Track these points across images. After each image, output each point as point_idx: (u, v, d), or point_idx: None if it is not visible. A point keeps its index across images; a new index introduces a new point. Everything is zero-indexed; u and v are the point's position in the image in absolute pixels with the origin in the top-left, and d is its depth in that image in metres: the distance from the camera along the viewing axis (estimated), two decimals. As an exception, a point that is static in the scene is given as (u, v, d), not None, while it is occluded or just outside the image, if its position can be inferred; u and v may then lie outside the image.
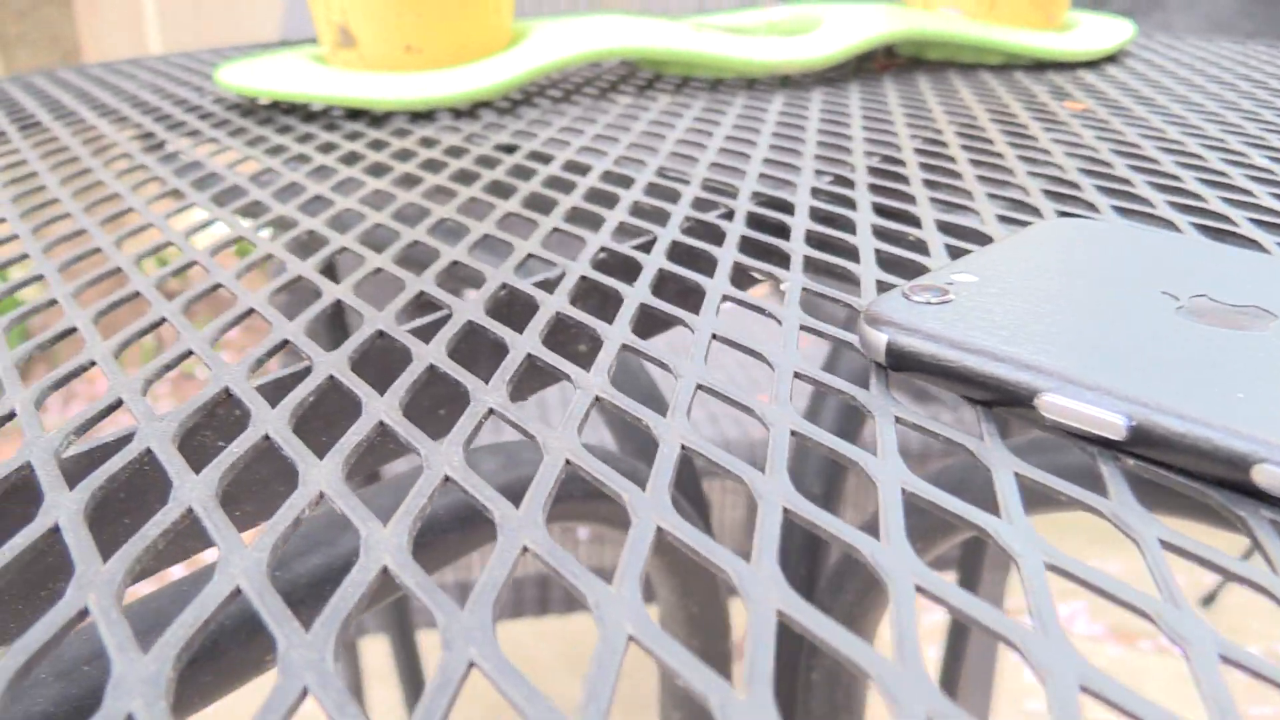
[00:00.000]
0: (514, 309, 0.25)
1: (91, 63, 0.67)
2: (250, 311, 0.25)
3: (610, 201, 0.34)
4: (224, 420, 0.20)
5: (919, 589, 0.14)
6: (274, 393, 0.21)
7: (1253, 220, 0.30)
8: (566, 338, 0.24)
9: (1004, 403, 0.19)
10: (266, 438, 0.19)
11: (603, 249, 0.28)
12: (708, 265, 0.28)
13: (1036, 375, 0.18)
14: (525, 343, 0.22)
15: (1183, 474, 0.17)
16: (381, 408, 0.19)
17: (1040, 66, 0.59)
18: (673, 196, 0.34)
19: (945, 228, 0.30)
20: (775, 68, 0.53)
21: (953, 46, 0.60)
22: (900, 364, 0.20)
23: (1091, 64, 0.59)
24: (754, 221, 0.31)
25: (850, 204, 0.33)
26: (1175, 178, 0.35)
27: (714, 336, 0.23)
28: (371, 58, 0.49)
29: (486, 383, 0.20)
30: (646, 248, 0.29)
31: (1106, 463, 0.17)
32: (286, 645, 0.13)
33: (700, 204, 0.33)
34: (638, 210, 0.33)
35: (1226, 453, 0.16)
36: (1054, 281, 0.22)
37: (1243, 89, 0.50)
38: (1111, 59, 0.61)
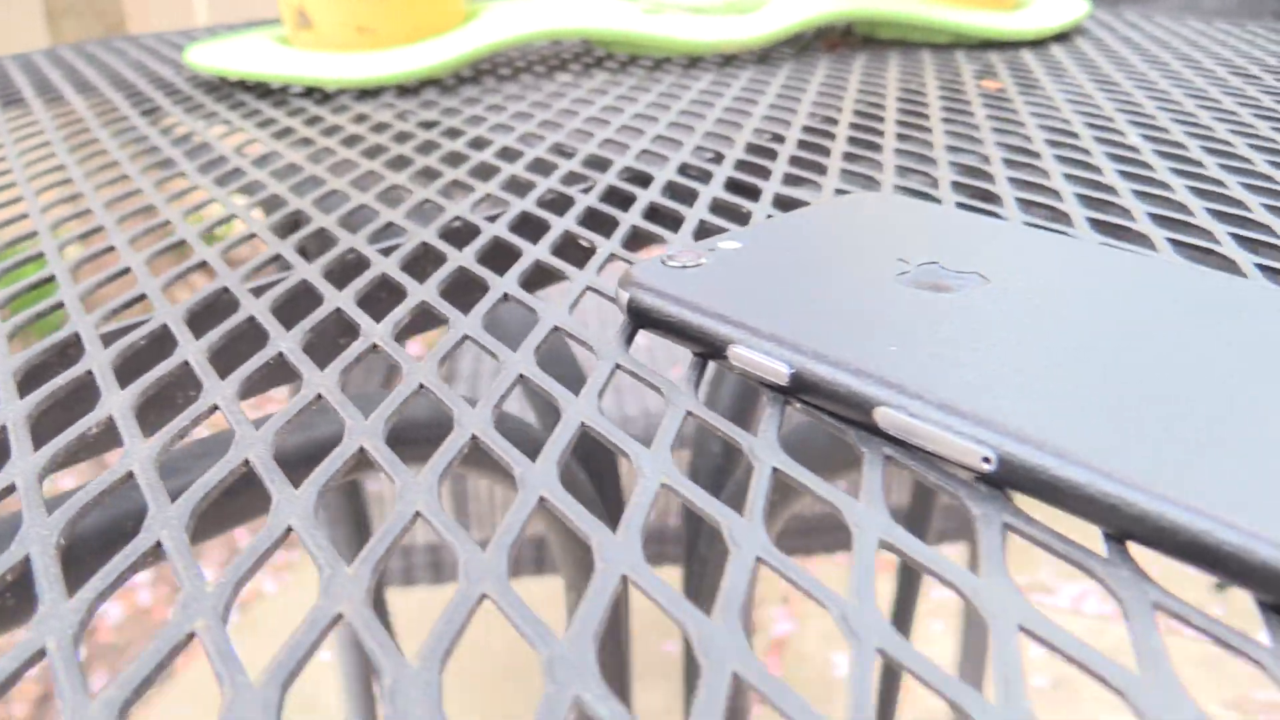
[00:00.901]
0: (356, 270, 0.29)
1: (138, 34, 0.71)
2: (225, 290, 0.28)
3: (490, 174, 0.36)
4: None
5: (760, 559, 0.16)
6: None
7: (1083, 197, 0.32)
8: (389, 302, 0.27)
9: (711, 355, 0.22)
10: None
11: (457, 218, 0.32)
12: (543, 233, 0.30)
13: (732, 329, 0.21)
14: (341, 298, 0.25)
15: (835, 417, 0.20)
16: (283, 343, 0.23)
17: (986, 45, 0.60)
18: (548, 170, 0.37)
19: (781, 201, 0.33)
20: (713, 47, 0.55)
21: (902, 26, 0.61)
22: (640, 320, 0.23)
23: (1039, 42, 0.60)
24: (609, 194, 0.34)
25: (706, 178, 0.35)
26: (1035, 155, 0.37)
27: (557, 329, 0.26)
28: (327, 38, 0.52)
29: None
30: (496, 218, 0.32)
31: (774, 404, 0.20)
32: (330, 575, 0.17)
33: (571, 178, 0.36)
34: (512, 183, 0.36)
35: (856, 397, 0.19)
36: (805, 251, 0.25)
37: (1173, 69, 0.51)
38: (1064, 37, 0.62)
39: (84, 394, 0.22)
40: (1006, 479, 0.17)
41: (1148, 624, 0.14)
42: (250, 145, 0.42)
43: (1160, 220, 0.30)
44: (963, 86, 0.49)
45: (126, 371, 0.23)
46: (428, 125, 0.44)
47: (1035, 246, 0.25)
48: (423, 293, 0.26)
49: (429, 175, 0.37)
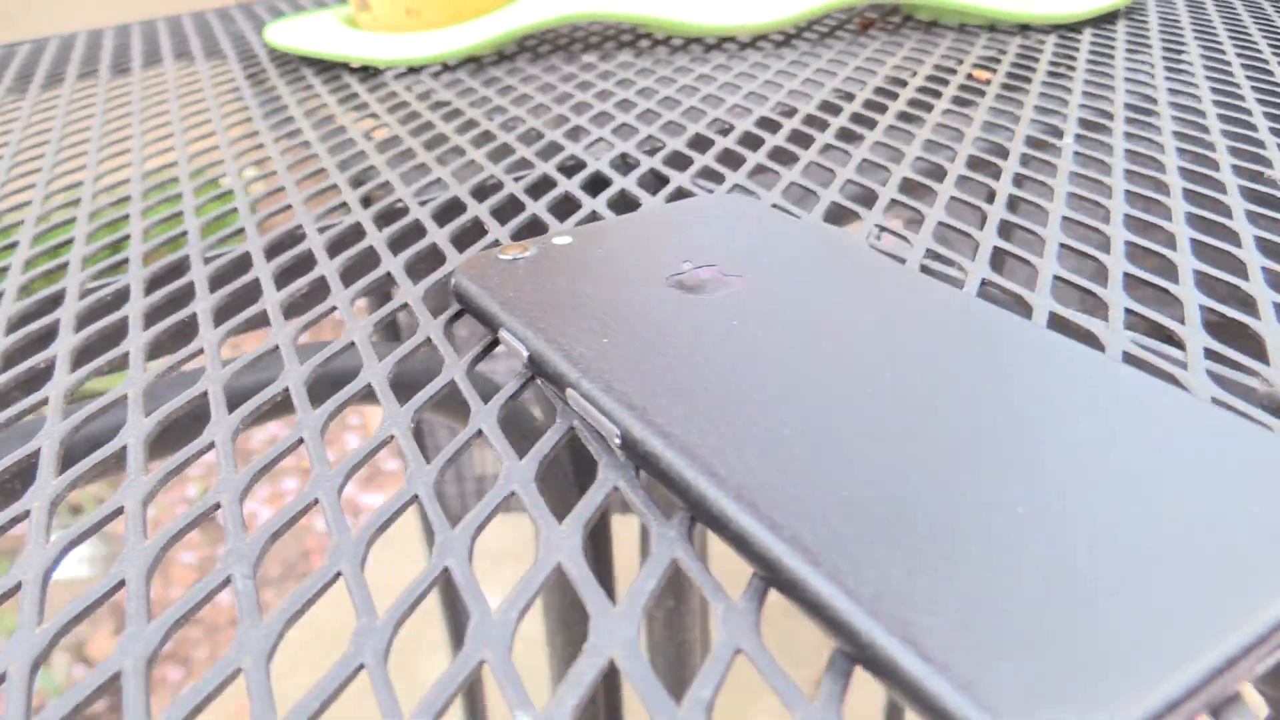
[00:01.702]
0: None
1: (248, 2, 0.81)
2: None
3: (457, 155, 0.42)
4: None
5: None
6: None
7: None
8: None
9: (495, 338, 0.26)
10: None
11: (399, 200, 0.37)
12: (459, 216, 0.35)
13: (504, 317, 0.25)
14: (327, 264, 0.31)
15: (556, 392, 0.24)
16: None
17: (1021, 29, 0.60)
18: (504, 155, 0.42)
19: (678, 195, 0.36)
20: (731, 30, 0.58)
21: (935, 7, 0.62)
22: (463, 304, 0.28)
23: (1075, 27, 0.60)
24: (536, 184, 0.39)
25: (628, 167, 0.39)
26: (999, 158, 0.39)
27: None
28: (382, 20, 0.59)
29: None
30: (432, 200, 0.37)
31: (521, 377, 0.25)
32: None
33: (519, 164, 0.41)
34: (468, 166, 0.41)
35: (553, 373, 0.23)
36: (613, 249, 0.29)
37: (1210, 61, 0.51)
38: (1107, 20, 0.61)
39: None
40: (634, 457, 0.21)
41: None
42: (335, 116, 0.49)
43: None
44: (952, 75, 0.50)
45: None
46: (437, 105, 0.50)
47: (836, 265, 0.27)
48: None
49: (405, 155, 0.43)
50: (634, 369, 0.22)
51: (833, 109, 0.46)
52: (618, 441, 0.21)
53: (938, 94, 0.47)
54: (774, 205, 0.35)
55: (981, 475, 0.18)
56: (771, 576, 0.17)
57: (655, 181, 0.39)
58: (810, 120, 0.45)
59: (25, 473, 0.23)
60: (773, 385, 0.21)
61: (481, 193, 0.38)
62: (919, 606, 0.15)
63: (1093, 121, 0.42)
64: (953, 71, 0.51)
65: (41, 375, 0.27)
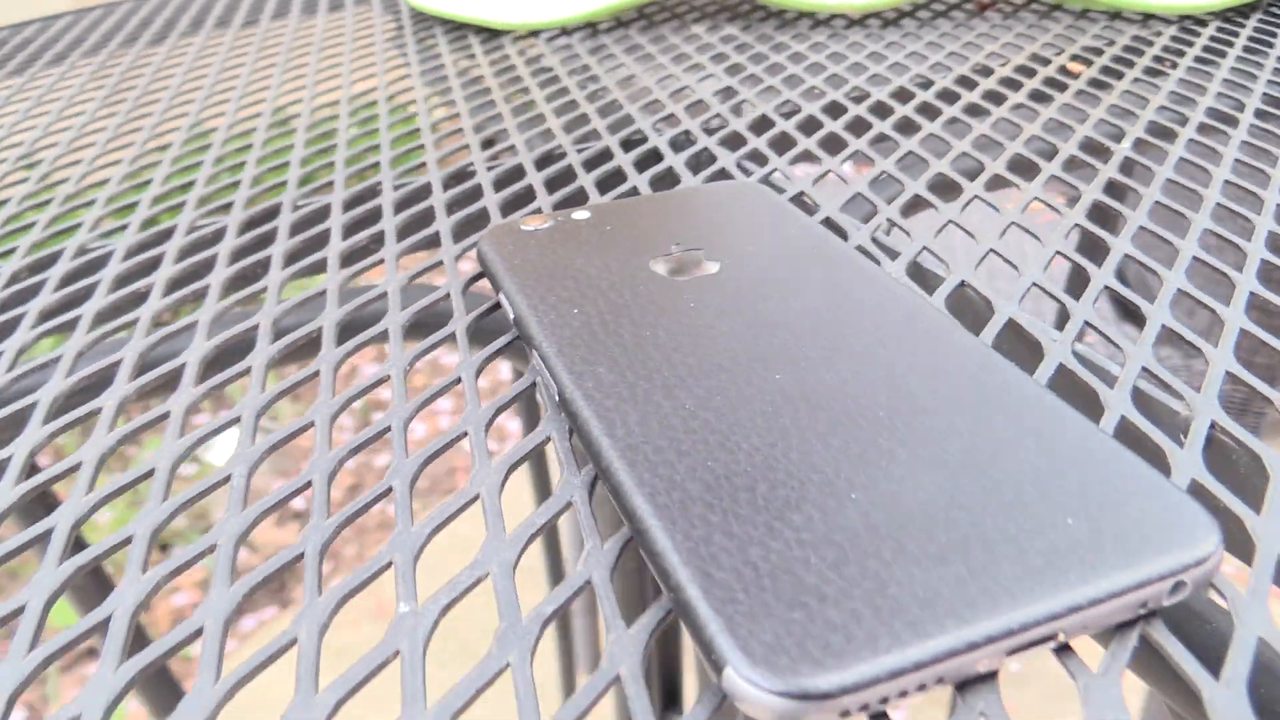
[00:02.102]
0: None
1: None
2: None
3: (537, 123, 0.46)
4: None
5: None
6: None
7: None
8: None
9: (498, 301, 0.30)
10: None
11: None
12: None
13: (503, 278, 0.29)
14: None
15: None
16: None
17: (1145, 18, 0.58)
18: (579, 125, 0.45)
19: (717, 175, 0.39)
20: (842, 8, 0.59)
21: (1058, -9, 0.61)
22: (482, 267, 0.32)
23: (1200, 19, 0.57)
24: (596, 156, 0.42)
25: (685, 145, 0.42)
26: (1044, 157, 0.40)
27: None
28: (510, -17, 0.63)
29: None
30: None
31: (510, 338, 0.29)
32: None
33: (588, 135, 0.44)
34: (543, 134, 0.44)
35: (525, 334, 0.27)
36: (617, 228, 0.32)
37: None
38: (1239, 13, 0.58)
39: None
40: (566, 414, 0.24)
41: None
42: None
43: None
44: (1053, 65, 0.50)
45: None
46: (539, 70, 0.53)
47: (810, 261, 0.29)
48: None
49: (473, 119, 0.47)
50: (588, 338, 0.26)
51: (905, 96, 0.47)
52: (556, 399, 0.24)
53: (1018, 85, 0.48)
54: (797, 195, 0.37)
55: (836, 462, 0.21)
56: (631, 527, 0.20)
57: (703, 161, 0.41)
58: (879, 108, 0.46)
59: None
60: (696, 364, 0.24)
61: (545, 161, 0.42)
62: (722, 564, 0.18)
63: (1219, 114, 0.42)
64: (1047, 61, 0.51)
65: (252, 277, 0.33)
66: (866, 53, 0.54)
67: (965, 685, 0.18)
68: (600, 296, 0.28)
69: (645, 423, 0.22)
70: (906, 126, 0.44)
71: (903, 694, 0.17)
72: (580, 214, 0.33)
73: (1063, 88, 0.47)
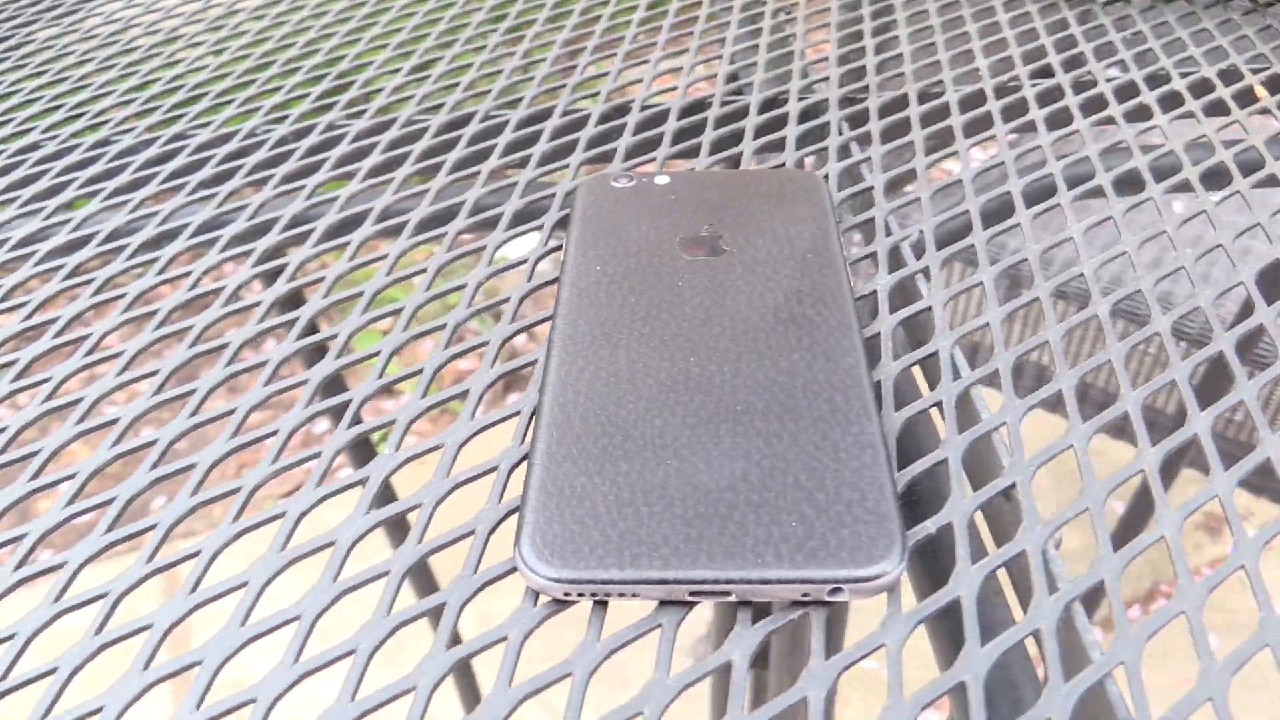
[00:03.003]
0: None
1: None
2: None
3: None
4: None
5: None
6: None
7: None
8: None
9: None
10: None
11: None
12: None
13: (570, 225, 0.39)
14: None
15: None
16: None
17: None
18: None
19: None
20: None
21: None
22: (567, 211, 0.41)
23: None
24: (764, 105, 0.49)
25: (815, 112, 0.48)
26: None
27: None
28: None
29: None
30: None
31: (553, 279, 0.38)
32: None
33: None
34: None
35: (558, 278, 0.36)
36: (677, 200, 0.40)
37: None
38: None
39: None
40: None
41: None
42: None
43: None
44: (1237, 78, 0.49)
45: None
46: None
47: (806, 253, 0.36)
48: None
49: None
50: (593, 292, 0.35)
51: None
52: (550, 333, 0.34)
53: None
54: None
55: (679, 435, 0.29)
56: (530, 441, 0.30)
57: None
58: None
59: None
60: (649, 336, 0.33)
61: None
62: (559, 482, 0.28)
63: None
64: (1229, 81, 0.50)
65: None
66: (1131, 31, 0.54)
67: (666, 604, 0.26)
68: (623, 260, 0.37)
69: (584, 370, 0.32)
70: None
71: (607, 596, 0.26)
72: (661, 179, 0.41)
73: None
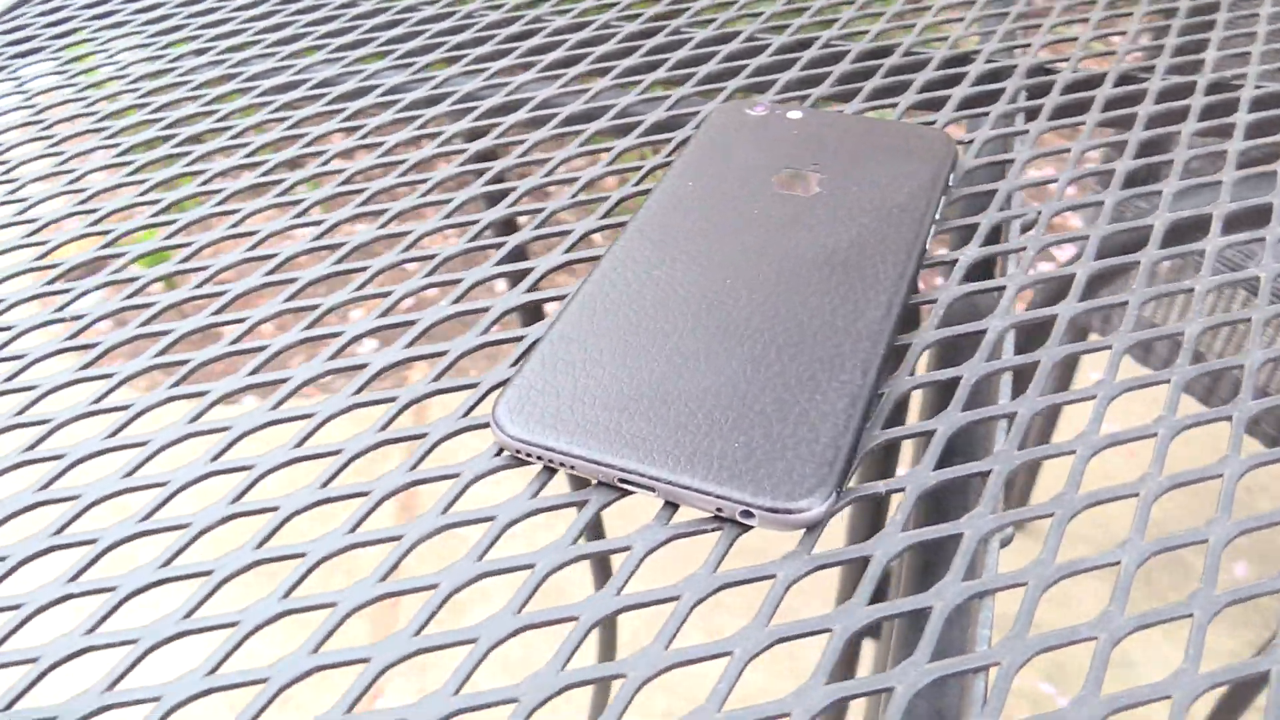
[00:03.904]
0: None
1: None
2: None
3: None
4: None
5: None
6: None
7: None
8: None
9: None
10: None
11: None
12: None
13: (690, 143, 0.40)
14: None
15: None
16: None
17: None
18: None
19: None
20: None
21: None
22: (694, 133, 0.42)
23: None
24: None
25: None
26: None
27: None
28: None
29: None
30: None
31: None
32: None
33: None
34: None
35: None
36: (806, 137, 0.40)
37: None
38: None
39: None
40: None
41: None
42: None
43: None
44: None
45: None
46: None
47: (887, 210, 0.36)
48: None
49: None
50: (672, 203, 0.37)
51: None
52: (621, 232, 0.36)
53: None
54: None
55: (685, 345, 0.31)
56: (551, 320, 0.33)
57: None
58: None
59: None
60: (707, 251, 0.34)
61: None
62: (558, 362, 0.31)
63: None
64: None
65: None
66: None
67: (602, 485, 0.29)
68: (715, 181, 0.38)
69: (627, 271, 0.34)
70: None
71: (551, 464, 0.29)
72: (794, 113, 0.42)
73: None
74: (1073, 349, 0.32)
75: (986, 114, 0.43)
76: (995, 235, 0.38)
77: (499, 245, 0.38)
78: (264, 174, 0.43)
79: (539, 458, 0.29)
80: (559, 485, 0.29)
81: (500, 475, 0.30)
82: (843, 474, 0.27)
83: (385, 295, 0.36)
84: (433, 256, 0.38)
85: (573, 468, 0.29)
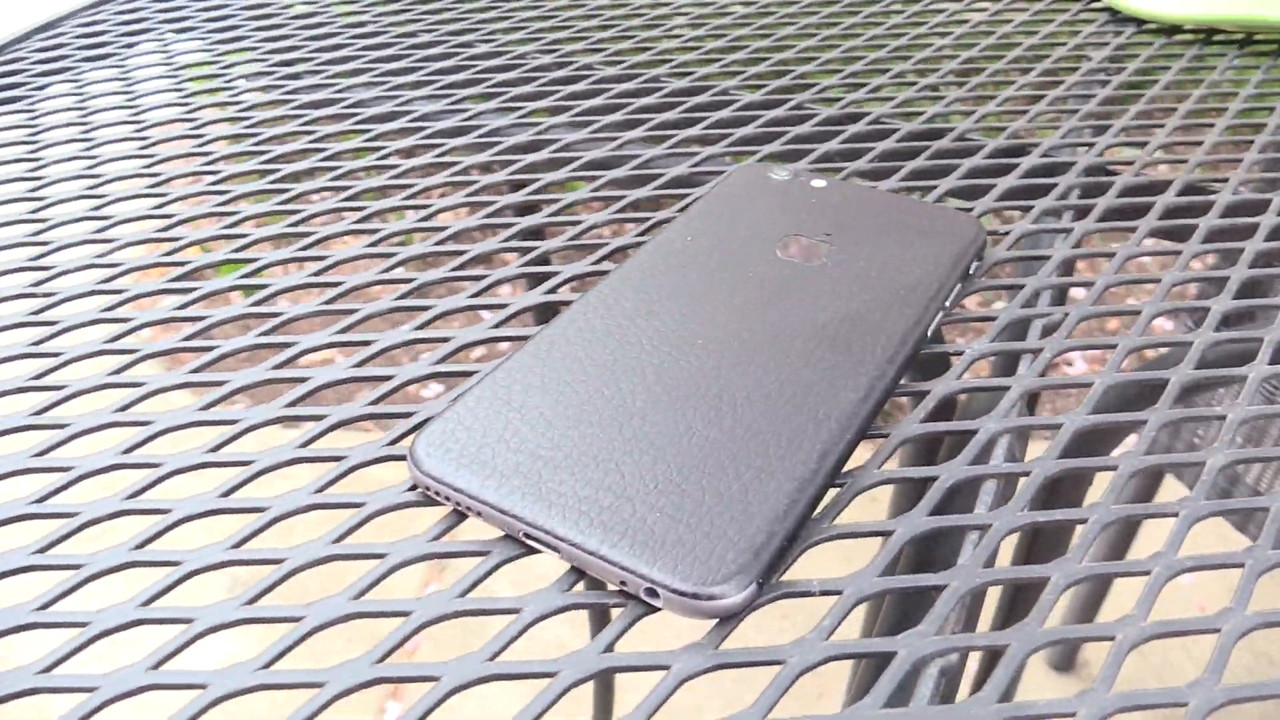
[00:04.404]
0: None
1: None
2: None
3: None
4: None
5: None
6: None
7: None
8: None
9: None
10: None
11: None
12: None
13: (704, 197, 0.38)
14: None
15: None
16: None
17: None
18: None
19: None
20: None
21: None
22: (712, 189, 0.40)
23: None
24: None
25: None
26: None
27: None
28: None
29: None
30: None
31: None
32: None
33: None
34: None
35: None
36: (825, 207, 0.37)
37: None
38: None
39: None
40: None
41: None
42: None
43: None
44: None
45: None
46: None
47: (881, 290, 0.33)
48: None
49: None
50: (666, 254, 0.34)
51: None
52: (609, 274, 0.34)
53: None
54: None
55: (641, 415, 0.28)
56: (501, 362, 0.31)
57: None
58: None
59: None
60: (688, 309, 0.32)
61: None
62: (491, 409, 0.28)
63: None
64: None
65: None
66: None
67: (508, 538, 0.26)
68: (716, 238, 0.35)
69: (597, 318, 0.31)
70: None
71: (458, 507, 0.26)
72: (818, 182, 0.39)
73: None
74: (1072, 464, 0.28)
75: (1031, 207, 0.40)
76: (1023, 333, 0.34)
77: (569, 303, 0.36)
78: (347, 198, 0.42)
79: (449, 499, 0.26)
80: (478, 533, 0.27)
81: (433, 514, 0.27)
82: (770, 565, 0.24)
83: (445, 340, 0.34)
84: (505, 305, 0.35)
85: (479, 514, 0.26)
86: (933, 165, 0.43)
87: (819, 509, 0.26)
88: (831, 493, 0.27)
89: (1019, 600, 0.24)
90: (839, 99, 0.49)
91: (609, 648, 0.23)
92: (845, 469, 0.28)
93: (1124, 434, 0.39)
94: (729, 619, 0.24)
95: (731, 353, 0.30)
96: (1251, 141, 0.45)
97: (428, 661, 0.23)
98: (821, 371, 0.29)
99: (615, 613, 0.24)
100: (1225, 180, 0.42)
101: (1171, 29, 0.58)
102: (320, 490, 0.28)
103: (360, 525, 0.27)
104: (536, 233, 0.40)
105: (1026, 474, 0.28)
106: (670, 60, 0.53)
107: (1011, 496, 0.27)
